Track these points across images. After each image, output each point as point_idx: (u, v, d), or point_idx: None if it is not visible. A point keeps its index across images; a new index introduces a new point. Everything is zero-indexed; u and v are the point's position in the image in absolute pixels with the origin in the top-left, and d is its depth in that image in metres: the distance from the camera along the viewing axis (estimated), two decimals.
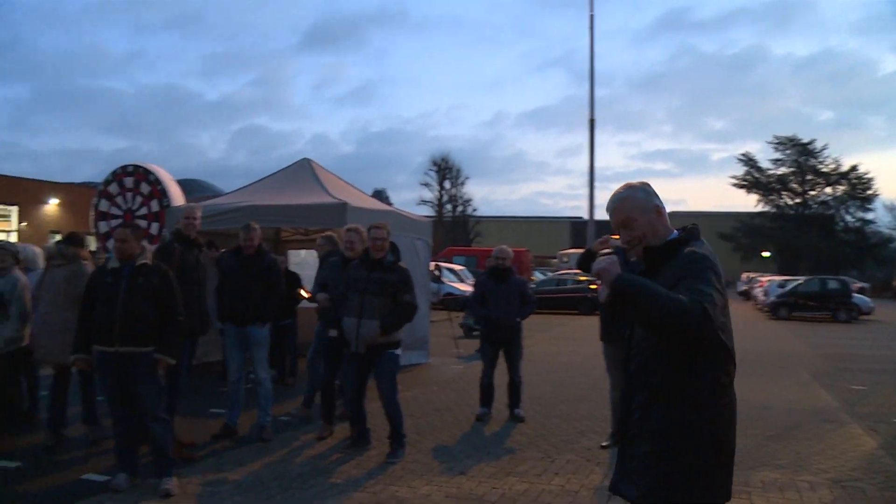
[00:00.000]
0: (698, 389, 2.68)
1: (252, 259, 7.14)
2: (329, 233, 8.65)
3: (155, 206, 14.63)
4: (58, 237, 27.48)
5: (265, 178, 12.42)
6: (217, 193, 15.60)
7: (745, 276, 48.71)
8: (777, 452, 6.92)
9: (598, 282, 2.71)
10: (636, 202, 2.87)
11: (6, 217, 39.59)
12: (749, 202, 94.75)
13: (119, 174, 13.33)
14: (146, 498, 5.30)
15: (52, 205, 40.93)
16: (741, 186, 67.94)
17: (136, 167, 13.53)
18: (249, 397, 7.39)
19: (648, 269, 2.83)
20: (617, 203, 2.91)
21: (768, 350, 16.07)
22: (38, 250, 8.11)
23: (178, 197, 14.95)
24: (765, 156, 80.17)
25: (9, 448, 6.63)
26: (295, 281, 10.17)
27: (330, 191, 11.25)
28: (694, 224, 2.94)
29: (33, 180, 41.39)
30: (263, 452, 6.62)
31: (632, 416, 2.85)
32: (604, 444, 6.92)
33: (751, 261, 62.92)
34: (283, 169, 12.58)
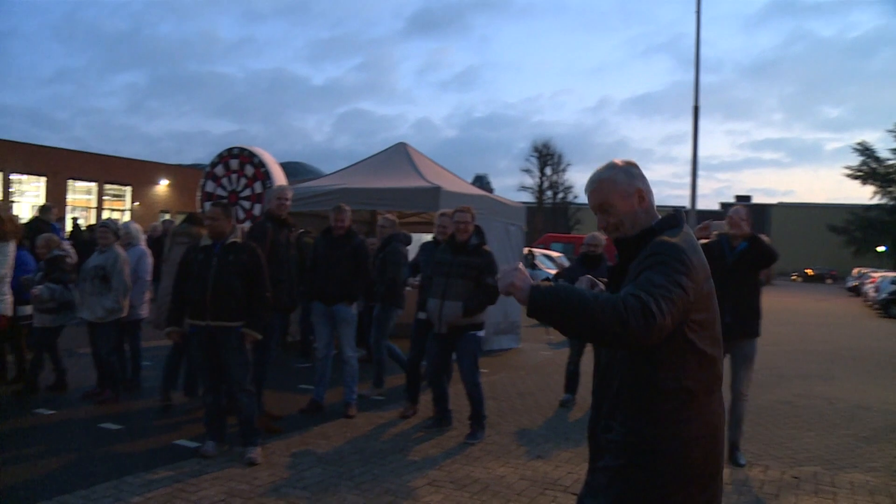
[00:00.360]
0: (658, 399, 2.40)
1: (341, 240, 7.32)
2: (389, 215, 8.85)
3: (258, 187, 15.01)
4: (167, 216, 28.59)
5: (361, 161, 12.67)
6: (319, 176, 15.91)
7: (855, 271, 46.79)
8: (870, 454, 6.68)
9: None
10: (616, 184, 2.59)
11: (121, 196, 41.51)
12: (864, 194, 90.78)
13: (225, 156, 13.73)
14: (232, 465, 5.57)
15: (163, 185, 42.66)
16: (856, 177, 64.89)
17: (242, 150, 13.91)
18: (337, 374, 7.61)
19: (621, 262, 2.58)
20: (595, 184, 2.63)
21: (873, 349, 15.42)
22: (137, 227, 8.54)
23: (280, 179, 15.29)
24: (884, 145, 76.45)
25: (113, 412, 7.05)
26: None
27: (424, 175, 11.39)
28: (677, 209, 2.70)
29: (146, 162, 43.18)
30: (347, 428, 6.83)
31: (598, 426, 2.59)
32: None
33: (864, 256, 60.24)
34: (379, 153, 12.79)
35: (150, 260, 8.29)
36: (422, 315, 7.21)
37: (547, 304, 2.23)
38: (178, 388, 7.41)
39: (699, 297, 2.37)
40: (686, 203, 29.42)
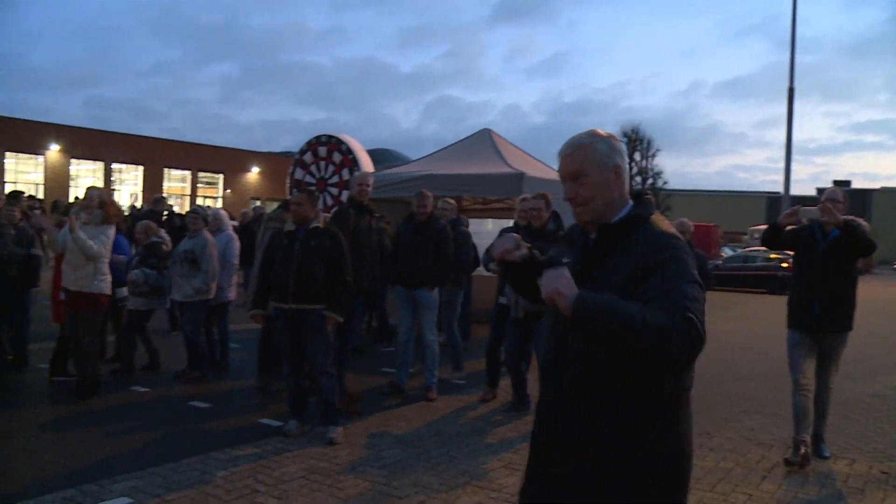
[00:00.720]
0: (662, 400, 2.25)
1: (424, 225, 7.42)
2: (449, 199, 8.92)
3: (346, 174, 15.21)
4: (257, 203, 29.29)
5: (446, 147, 12.75)
6: (406, 163, 16.05)
7: None
8: None
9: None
10: (595, 154, 2.34)
11: (213, 184, 42.72)
12: None
13: (313, 144, 13.95)
14: (313, 444, 5.73)
15: (254, 173, 43.70)
16: None
17: (330, 137, 14.14)
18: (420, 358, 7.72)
19: (599, 249, 2.32)
20: (572, 149, 2.38)
21: None
22: (225, 214, 8.83)
23: (367, 166, 15.47)
24: None
25: (202, 391, 7.33)
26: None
27: (508, 161, 11.41)
28: (644, 190, 2.48)
29: (238, 150, 44.29)
30: (427, 411, 6.93)
31: (562, 428, 2.31)
32: (789, 458, 5.65)
33: None
34: (463, 139, 12.85)
35: (237, 244, 8.56)
36: (502, 300, 7.25)
37: (591, 317, 2.05)
38: (272, 371, 7.60)
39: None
40: (780, 188, 28.47)
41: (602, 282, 2.20)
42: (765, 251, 25.13)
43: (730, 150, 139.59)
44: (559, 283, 2.08)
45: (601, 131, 2.40)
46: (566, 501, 2.28)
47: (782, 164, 26.86)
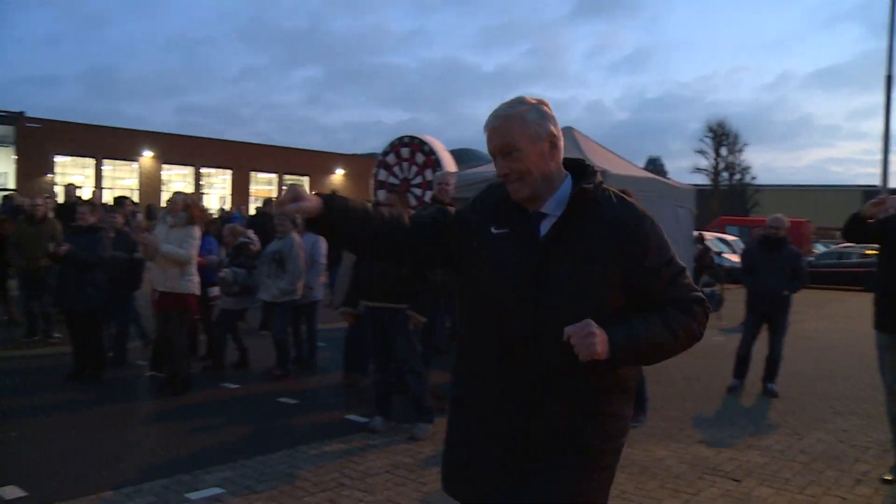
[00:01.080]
0: (618, 392, 2.20)
1: None
2: None
3: (429, 175, 15.34)
4: None
5: None
6: (488, 162, 16.07)
7: None
8: None
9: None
10: (525, 124, 2.12)
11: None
12: None
13: (396, 145, 14.13)
14: (398, 440, 5.84)
15: (338, 175, 44.35)
16: None
17: (412, 138, 14.28)
18: None
19: (570, 219, 2.12)
20: (498, 121, 2.15)
21: None
22: None
23: (450, 166, 15.57)
24: None
25: (290, 388, 7.53)
26: None
27: (591, 158, 11.31)
28: (578, 159, 2.28)
29: (322, 152, 44.99)
30: None
31: (543, 423, 2.15)
32: (887, 477, 5.23)
33: None
34: None
35: (324, 244, 8.73)
36: None
37: (631, 359, 2.08)
38: (359, 369, 7.73)
39: None
40: (877, 181, 27.46)
41: (579, 255, 2.09)
42: (862, 247, 24.22)
43: (822, 142, 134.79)
44: (594, 342, 1.97)
45: (529, 98, 2.18)
46: (551, 501, 2.14)
47: (879, 157, 25.75)
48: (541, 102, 2.18)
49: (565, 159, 2.24)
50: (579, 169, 2.24)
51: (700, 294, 2.12)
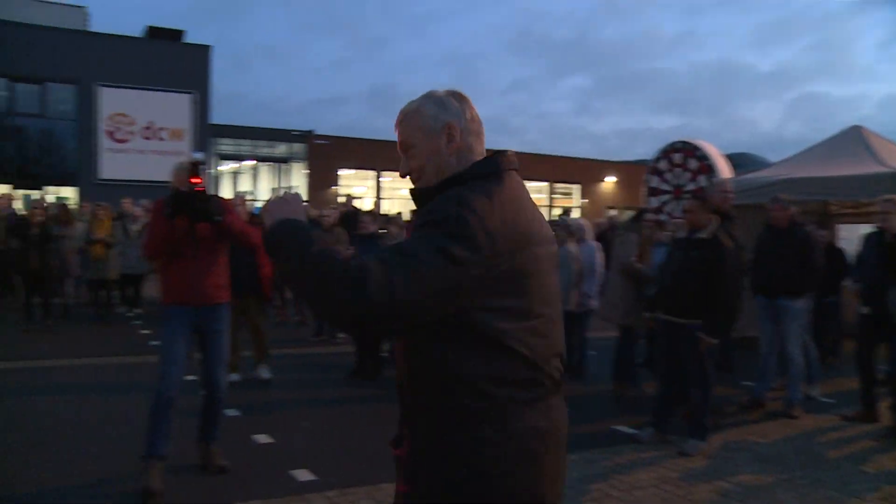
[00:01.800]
0: (446, 407, 1.83)
1: (783, 232, 7.05)
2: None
3: (702, 181, 14.88)
4: (613, 212, 29.60)
5: (809, 148, 11.95)
6: (765, 167, 15.30)
7: None
8: None
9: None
10: (421, 118, 1.97)
11: (568, 195, 43.73)
12: None
13: (668, 151, 13.85)
14: (666, 453, 5.69)
15: (609, 182, 44.08)
16: None
17: (685, 143, 13.94)
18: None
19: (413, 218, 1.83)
20: (399, 118, 2.03)
21: None
22: (587, 224, 9.00)
23: (725, 171, 15.03)
24: None
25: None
26: (839, 257, 9.74)
27: (884, 160, 10.40)
28: (498, 152, 1.98)
29: (593, 160, 44.95)
30: (788, 428, 6.54)
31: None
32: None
33: None
34: (829, 138, 11.96)
35: (600, 255, 8.66)
36: (863, 310, 6.68)
37: (276, 240, 1.78)
38: (628, 379, 7.66)
39: (498, 275, 1.77)
40: None
41: None
42: None
43: None
44: (281, 201, 1.86)
45: (439, 91, 2.02)
46: None
47: None
48: (447, 93, 2.02)
49: (494, 153, 2.00)
50: (486, 159, 1.99)
51: (375, 266, 1.64)
